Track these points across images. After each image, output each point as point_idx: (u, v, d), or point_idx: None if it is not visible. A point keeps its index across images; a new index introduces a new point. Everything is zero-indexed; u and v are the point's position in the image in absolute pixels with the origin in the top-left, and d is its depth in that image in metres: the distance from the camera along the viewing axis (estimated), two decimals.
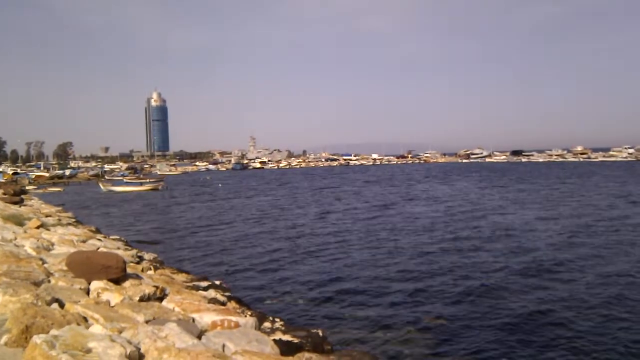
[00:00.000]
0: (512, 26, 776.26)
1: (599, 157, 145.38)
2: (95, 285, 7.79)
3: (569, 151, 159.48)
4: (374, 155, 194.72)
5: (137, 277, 9.02)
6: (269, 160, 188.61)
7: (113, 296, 7.43)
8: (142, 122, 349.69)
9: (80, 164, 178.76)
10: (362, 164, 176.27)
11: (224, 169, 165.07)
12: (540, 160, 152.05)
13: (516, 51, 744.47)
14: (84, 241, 14.72)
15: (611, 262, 17.09)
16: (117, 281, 8.11)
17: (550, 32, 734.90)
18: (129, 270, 9.11)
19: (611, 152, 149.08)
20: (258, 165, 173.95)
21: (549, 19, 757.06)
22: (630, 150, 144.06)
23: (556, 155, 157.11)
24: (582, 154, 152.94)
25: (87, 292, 7.64)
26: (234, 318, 7.23)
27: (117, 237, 19.99)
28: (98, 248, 13.59)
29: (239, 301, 10.33)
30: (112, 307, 7.00)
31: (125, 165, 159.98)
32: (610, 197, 39.45)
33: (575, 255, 18.09)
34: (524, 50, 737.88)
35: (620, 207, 32.99)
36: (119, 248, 15.04)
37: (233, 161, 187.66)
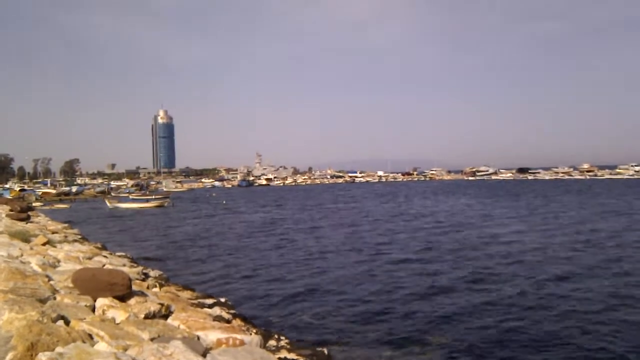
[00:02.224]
0: (518, 41, 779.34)
1: (605, 174, 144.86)
2: (101, 302, 7.78)
3: (575, 169, 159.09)
4: (380, 173, 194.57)
5: (142, 294, 9.01)
6: (274, 177, 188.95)
7: (118, 313, 7.41)
8: (149, 139, 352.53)
9: (87, 180, 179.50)
10: (367, 181, 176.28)
11: (230, 185, 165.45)
12: (547, 177, 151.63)
13: (523, 67, 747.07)
14: (89, 258, 14.72)
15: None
16: (123, 298, 8.10)
17: (556, 48, 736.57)
18: (134, 288, 9.10)
19: (617, 170, 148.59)
20: (264, 182, 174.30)
21: (554, 35, 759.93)
22: (637, 168, 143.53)
23: (562, 172, 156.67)
24: (588, 171, 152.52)
25: (93, 309, 7.62)
26: (239, 336, 7.21)
27: (123, 253, 20.00)
28: (104, 265, 13.59)
29: (244, 319, 10.30)
30: (118, 324, 6.99)
31: (131, 182, 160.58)
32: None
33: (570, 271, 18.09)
34: (530, 67, 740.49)
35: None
36: (124, 265, 15.03)
37: (239, 178, 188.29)
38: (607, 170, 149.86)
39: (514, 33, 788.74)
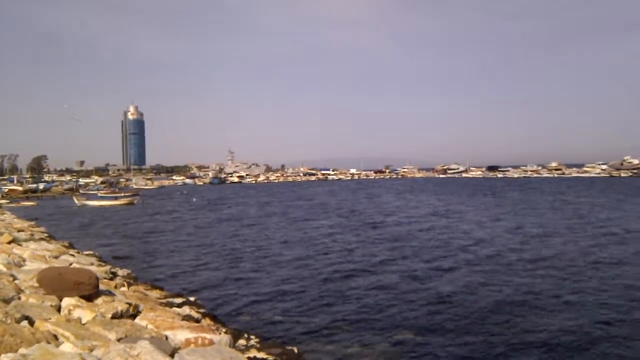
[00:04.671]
0: (491, 41, 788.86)
1: (573, 172, 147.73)
2: (67, 302, 7.65)
3: (543, 167, 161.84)
4: (352, 170, 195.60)
5: (110, 293, 8.89)
6: (247, 175, 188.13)
7: (85, 313, 7.30)
8: (119, 135, 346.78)
9: (55, 177, 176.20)
10: (340, 179, 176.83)
11: (202, 183, 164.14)
12: (516, 175, 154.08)
13: (494, 68, 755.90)
14: (56, 257, 14.48)
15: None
16: (90, 298, 7.98)
17: (528, 47, 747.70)
18: (102, 287, 8.98)
19: (585, 168, 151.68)
20: (236, 179, 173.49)
21: (527, 36, 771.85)
22: (604, 166, 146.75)
23: (531, 170, 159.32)
24: (556, 169, 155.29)
25: (59, 309, 7.49)
26: (208, 335, 7.16)
27: (91, 252, 19.69)
28: (71, 264, 13.38)
29: (213, 318, 10.25)
30: (84, 324, 6.88)
31: (100, 179, 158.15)
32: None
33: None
34: (502, 67, 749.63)
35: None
36: (92, 264, 14.82)
37: (211, 175, 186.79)
38: (574, 169, 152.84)
39: (485, 32, 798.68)
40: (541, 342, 10.98)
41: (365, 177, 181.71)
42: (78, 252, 18.48)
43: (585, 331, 11.59)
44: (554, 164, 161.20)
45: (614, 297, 14.63)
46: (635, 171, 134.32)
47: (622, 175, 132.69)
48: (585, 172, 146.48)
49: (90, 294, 8.04)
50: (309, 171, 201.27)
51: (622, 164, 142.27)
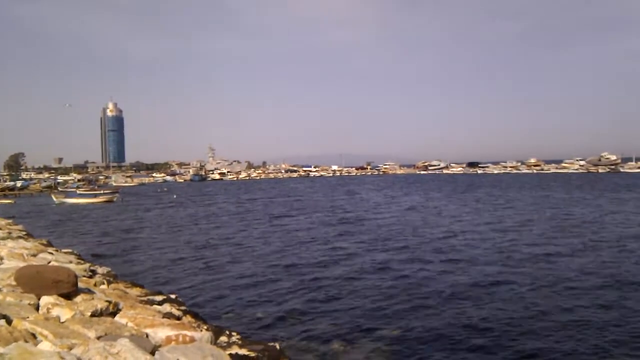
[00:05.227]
0: (470, 42, 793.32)
1: (551, 168, 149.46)
2: (45, 300, 7.56)
3: (523, 163, 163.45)
4: (334, 167, 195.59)
5: (89, 291, 8.80)
6: (228, 172, 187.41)
7: (64, 312, 7.22)
8: (98, 132, 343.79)
9: (33, 175, 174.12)
10: (321, 175, 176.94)
11: (182, 180, 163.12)
12: (496, 171, 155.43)
13: (475, 65, 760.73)
14: (34, 255, 14.28)
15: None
16: (68, 296, 7.89)
17: (507, 46, 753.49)
18: (81, 285, 8.88)
19: (563, 164, 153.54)
20: (217, 176, 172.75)
21: (506, 35, 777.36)
22: (582, 162, 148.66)
23: (510, 167, 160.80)
24: (535, 165, 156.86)
25: (37, 307, 7.40)
26: (189, 333, 7.13)
27: (70, 250, 19.44)
28: (49, 262, 13.21)
29: (195, 315, 10.18)
30: (63, 323, 6.81)
31: (79, 177, 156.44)
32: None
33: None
34: (482, 66, 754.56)
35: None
36: (71, 262, 14.63)
37: (191, 172, 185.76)
38: (553, 165, 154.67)
39: (467, 32, 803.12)
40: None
41: (347, 174, 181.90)
42: (57, 250, 18.25)
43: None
44: (532, 160, 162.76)
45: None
46: (612, 167, 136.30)
47: (600, 171, 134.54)
48: (564, 168, 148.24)
49: (69, 292, 7.94)
50: (290, 168, 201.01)
51: (599, 160, 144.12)
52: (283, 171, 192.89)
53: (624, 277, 16.30)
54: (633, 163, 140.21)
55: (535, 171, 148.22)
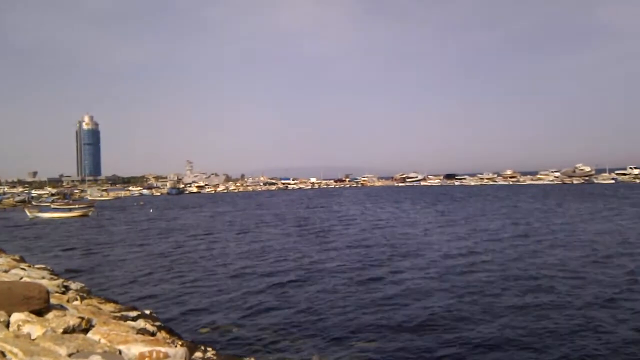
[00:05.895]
0: (446, 53, 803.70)
1: (527, 180, 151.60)
2: (16, 317, 7.44)
3: (499, 175, 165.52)
4: (313, 179, 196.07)
5: (61, 308, 8.69)
6: (206, 185, 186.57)
7: (35, 328, 7.11)
8: (73, 145, 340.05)
9: (6, 189, 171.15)
10: (300, 188, 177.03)
11: (159, 193, 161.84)
12: (472, 183, 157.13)
13: (451, 77, 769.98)
14: (6, 271, 14.07)
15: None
16: (40, 313, 7.77)
17: (483, 57, 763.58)
18: (53, 301, 8.76)
19: (538, 176, 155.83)
20: (195, 189, 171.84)
21: (478, 46, 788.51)
22: (557, 174, 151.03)
23: (487, 178, 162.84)
24: (511, 177, 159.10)
25: (7, 324, 7.28)
26: (163, 349, 7.07)
27: (43, 265, 19.16)
28: (21, 278, 13.02)
29: (169, 331, 10.10)
30: (33, 340, 6.70)
31: (53, 191, 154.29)
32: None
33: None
34: (457, 77, 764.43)
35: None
36: (43, 277, 14.43)
37: (168, 186, 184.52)
38: (528, 176, 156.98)
39: (441, 44, 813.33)
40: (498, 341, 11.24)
41: (325, 186, 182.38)
42: (29, 266, 17.98)
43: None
44: (509, 172, 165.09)
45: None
46: (586, 178, 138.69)
47: (574, 182, 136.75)
48: (539, 179, 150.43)
49: (41, 309, 7.83)
50: (269, 180, 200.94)
51: (574, 171, 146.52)
52: (261, 184, 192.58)
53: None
54: (606, 174, 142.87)
55: (511, 182, 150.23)
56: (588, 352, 10.76)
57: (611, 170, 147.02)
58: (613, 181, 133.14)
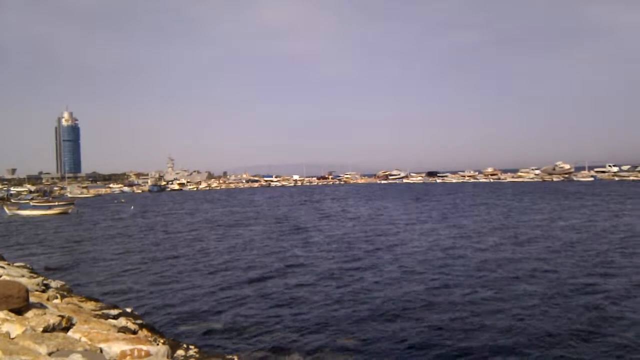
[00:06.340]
0: (429, 52, 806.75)
1: (508, 177, 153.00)
2: None
3: (480, 172, 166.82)
4: (295, 177, 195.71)
5: (41, 306, 8.60)
6: (188, 182, 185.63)
7: (14, 327, 7.04)
8: (52, 142, 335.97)
9: None
10: (282, 185, 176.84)
11: (140, 191, 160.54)
12: (454, 180, 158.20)
13: (432, 76, 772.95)
14: None
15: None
16: (19, 311, 7.70)
17: (467, 57, 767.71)
18: (33, 300, 8.67)
19: (519, 173, 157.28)
20: (177, 187, 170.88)
21: (464, 45, 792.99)
22: (537, 171, 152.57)
23: (468, 176, 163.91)
24: (492, 174, 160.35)
25: None
26: (144, 347, 7.04)
27: (22, 264, 18.96)
28: (0, 276, 12.85)
29: (151, 329, 10.05)
30: (13, 339, 6.64)
31: (33, 188, 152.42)
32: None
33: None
34: (439, 75, 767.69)
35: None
36: (23, 276, 14.26)
37: (150, 183, 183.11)
38: (509, 174, 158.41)
39: (426, 44, 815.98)
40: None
41: (308, 184, 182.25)
42: (8, 264, 17.77)
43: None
44: (489, 170, 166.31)
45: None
46: (566, 175, 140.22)
47: (554, 179, 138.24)
48: (520, 177, 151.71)
49: (20, 307, 7.75)
50: (251, 178, 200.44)
51: (554, 169, 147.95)
52: (244, 181, 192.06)
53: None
54: (586, 172, 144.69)
55: (492, 180, 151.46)
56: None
57: (590, 168, 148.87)
58: (592, 179, 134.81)
